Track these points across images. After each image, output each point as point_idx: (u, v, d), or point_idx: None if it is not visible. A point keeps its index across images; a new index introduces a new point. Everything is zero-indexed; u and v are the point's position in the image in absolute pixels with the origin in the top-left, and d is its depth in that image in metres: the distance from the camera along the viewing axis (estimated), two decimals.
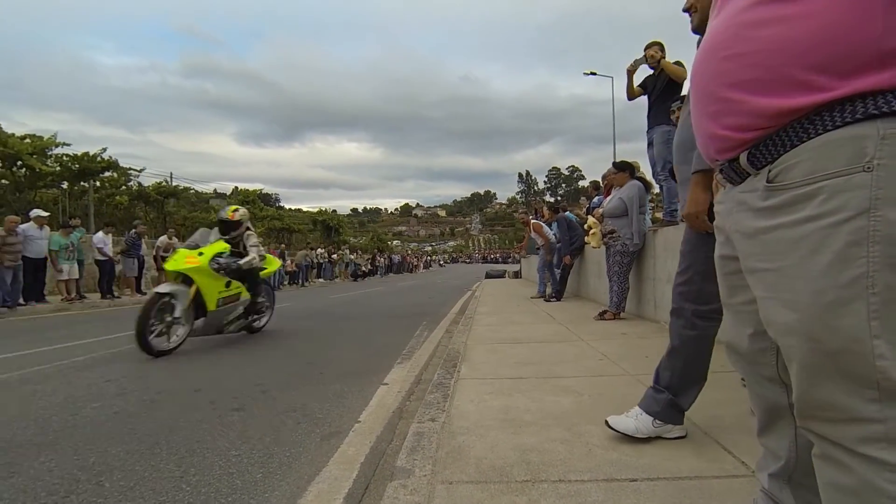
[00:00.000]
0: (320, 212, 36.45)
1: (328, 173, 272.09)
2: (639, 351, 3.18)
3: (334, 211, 42.74)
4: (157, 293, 3.98)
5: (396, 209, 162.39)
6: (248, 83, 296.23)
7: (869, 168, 0.60)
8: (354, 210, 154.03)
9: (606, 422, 1.66)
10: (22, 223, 7.99)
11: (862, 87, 0.62)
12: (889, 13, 0.61)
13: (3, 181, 11.90)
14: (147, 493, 1.56)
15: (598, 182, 7.61)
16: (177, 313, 3.99)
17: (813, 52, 0.64)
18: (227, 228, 4.76)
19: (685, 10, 1.86)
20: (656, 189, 5.69)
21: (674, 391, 1.62)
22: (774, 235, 0.69)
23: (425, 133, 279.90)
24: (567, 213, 7.98)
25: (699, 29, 1.87)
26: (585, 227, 6.08)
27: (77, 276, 8.96)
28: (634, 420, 1.62)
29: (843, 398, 0.63)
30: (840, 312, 0.62)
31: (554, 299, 7.13)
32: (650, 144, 4.89)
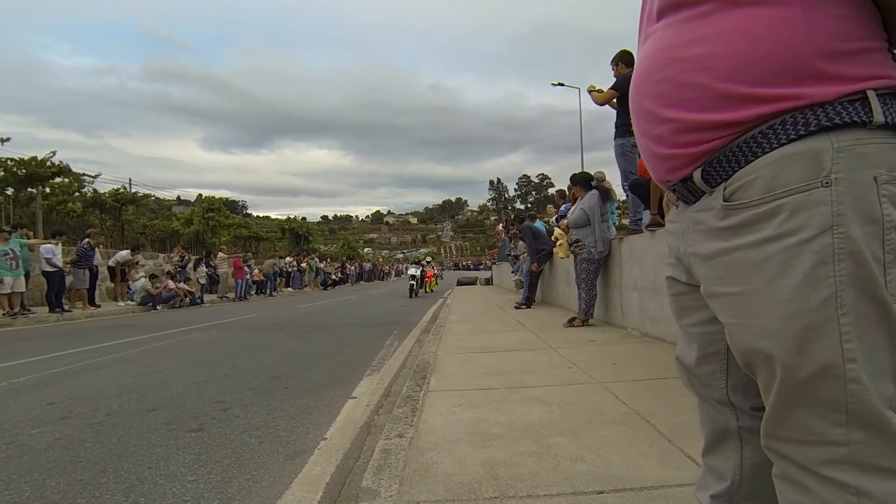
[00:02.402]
0: (289, 219, 35.59)
1: (298, 180, 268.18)
2: (607, 358, 3.22)
3: (304, 218, 41.81)
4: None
5: (368, 216, 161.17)
6: (216, 88, 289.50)
7: (827, 183, 0.59)
8: (325, 217, 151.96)
9: None
10: None
11: (804, 99, 0.61)
12: (809, 21, 0.61)
13: None
14: None
15: (564, 191, 7.78)
16: None
17: (743, 66, 0.63)
18: None
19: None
20: (622, 197, 5.84)
21: None
22: (735, 257, 0.66)
23: (397, 140, 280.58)
24: (537, 221, 8.10)
25: None
26: (553, 237, 6.18)
27: (22, 289, 8.38)
28: None
29: (811, 421, 0.62)
30: (812, 337, 0.59)
31: (524, 306, 7.20)
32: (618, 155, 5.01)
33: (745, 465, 0.86)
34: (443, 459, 1.63)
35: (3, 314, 8.07)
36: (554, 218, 7.87)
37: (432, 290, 15.21)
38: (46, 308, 9.02)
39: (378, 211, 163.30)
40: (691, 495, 1.31)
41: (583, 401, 2.25)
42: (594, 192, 4.95)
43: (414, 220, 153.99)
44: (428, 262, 16.07)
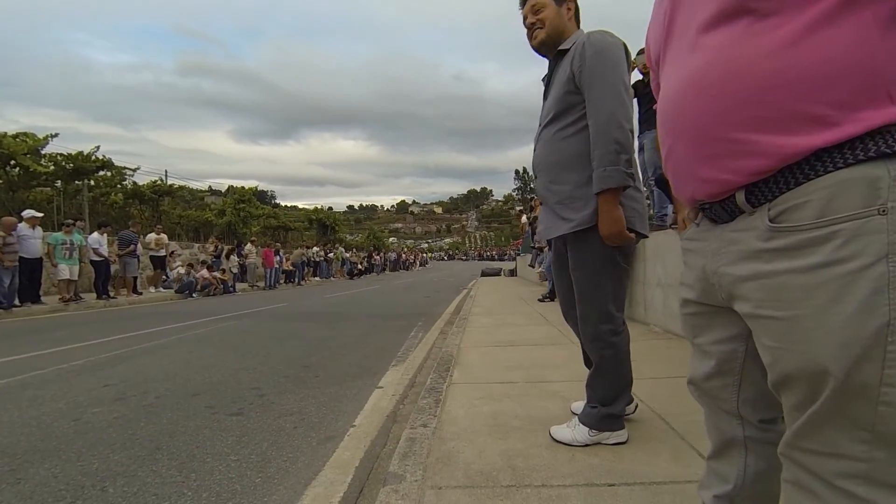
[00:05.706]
0: (316, 210, 36.26)
1: (324, 170, 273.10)
2: None
3: (330, 208, 42.62)
4: None
5: (393, 206, 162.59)
6: (245, 82, 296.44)
7: (884, 211, 0.58)
8: (350, 207, 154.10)
9: (549, 432, 1.81)
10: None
11: (874, 122, 0.60)
12: (888, 47, 0.59)
13: None
14: (150, 499, 1.63)
15: None
16: None
17: (823, 85, 0.61)
18: None
19: (527, 27, 1.77)
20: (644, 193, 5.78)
21: (605, 403, 1.74)
22: (781, 281, 0.65)
23: (421, 131, 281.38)
24: None
25: (542, 47, 1.80)
26: None
27: (76, 278, 8.96)
28: (572, 430, 1.75)
29: (836, 436, 0.64)
30: (862, 362, 0.60)
31: (548, 299, 7.23)
32: (640, 149, 4.97)
33: (748, 471, 0.91)
34: (464, 449, 1.74)
35: (60, 300, 8.67)
36: None
37: None
38: (94, 295, 9.62)
39: (403, 201, 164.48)
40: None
41: None
42: None
43: (439, 210, 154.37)
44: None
